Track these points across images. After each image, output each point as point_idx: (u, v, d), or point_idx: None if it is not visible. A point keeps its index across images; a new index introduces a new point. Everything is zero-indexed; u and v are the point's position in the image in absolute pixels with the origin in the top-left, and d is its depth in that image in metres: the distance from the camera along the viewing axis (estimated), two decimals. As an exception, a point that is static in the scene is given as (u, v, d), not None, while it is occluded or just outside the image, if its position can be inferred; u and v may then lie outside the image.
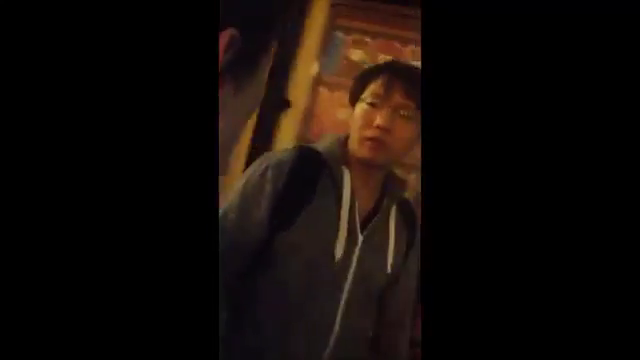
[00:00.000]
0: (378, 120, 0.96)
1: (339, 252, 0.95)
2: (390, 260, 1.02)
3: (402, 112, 0.95)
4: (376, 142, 0.96)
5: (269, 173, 0.95)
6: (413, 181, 1.81)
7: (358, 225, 0.99)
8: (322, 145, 1.03)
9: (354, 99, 1.04)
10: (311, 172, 0.98)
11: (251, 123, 1.72)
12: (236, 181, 0.99)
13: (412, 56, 1.85)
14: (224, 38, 0.33)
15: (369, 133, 0.97)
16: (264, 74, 0.41)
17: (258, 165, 0.98)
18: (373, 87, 1.00)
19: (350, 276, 0.97)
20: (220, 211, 0.88)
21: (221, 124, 0.37)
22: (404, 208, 1.07)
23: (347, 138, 1.03)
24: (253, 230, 0.94)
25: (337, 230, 0.96)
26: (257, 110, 0.46)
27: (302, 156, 0.98)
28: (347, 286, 0.97)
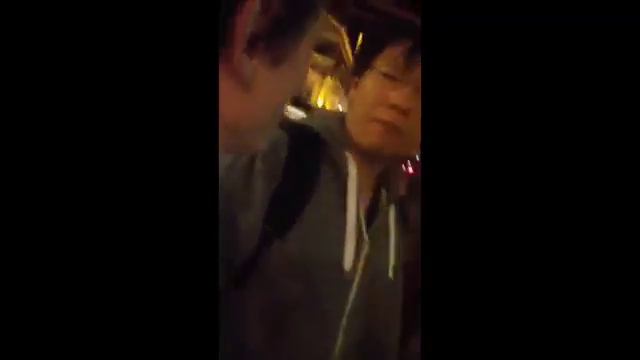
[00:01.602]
0: (395, 98, 0.72)
1: (348, 263, 0.74)
2: (392, 263, 0.82)
3: None
4: (388, 127, 0.73)
5: (258, 163, 0.69)
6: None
7: (364, 226, 0.78)
8: (317, 122, 0.78)
9: (362, 65, 0.78)
10: (310, 159, 0.74)
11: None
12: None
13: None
14: (251, 2, 0.29)
15: (381, 114, 0.73)
16: (310, 41, 0.36)
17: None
18: (391, 53, 0.75)
19: (355, 286, 0.77)
20: None
21: (258, 100, 0.34)
22: (402, 208, 0.88)
23: (344, 117, 0.80)
24: (241, 241, 0.69)
25: (344, 233, 0.74)
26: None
27: (297, 137, 0.73)
28: (351, 296, 0.77)
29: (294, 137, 0.73)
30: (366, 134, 0.75)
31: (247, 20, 0.29)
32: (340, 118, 0.80)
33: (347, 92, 0.84)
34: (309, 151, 0.73)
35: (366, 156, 0.77)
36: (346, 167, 0.76)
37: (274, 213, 0.69)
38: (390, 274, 0.83)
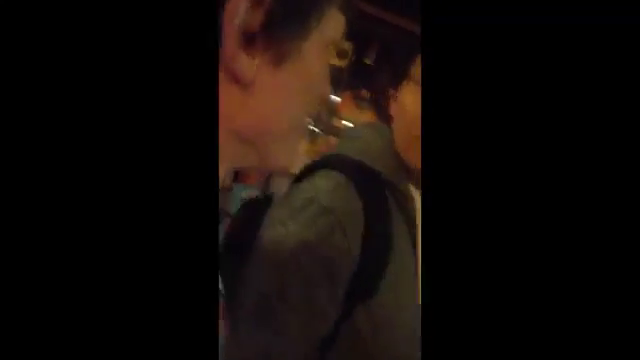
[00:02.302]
0: None
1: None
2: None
3: None
4: None
5: (338, 234, 0.62)
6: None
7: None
8: (372, 154, 0.70)
9: (398, 76, 0.72)
10: (382, 209, 0.67)
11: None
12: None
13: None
14: None
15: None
16: (318, 41, 0.34)
17: (311, 217, 0.62)
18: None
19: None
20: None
21: (267, 104, 0.32)
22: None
23: (391, 136, 0.73)
24: (327, 312, 0.64)
25: (414, 275, 0.69)
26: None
27: (362, 186, 0.66)
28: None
29: (360, 186, 0.66)
30: (415, 154, 0.68)
31: (234, 12, 0.28)
32: (391, 139, 0.72)
33: (385, 107, 0.77)
34: (379, 201, 0.67)
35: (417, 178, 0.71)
36: (413, 203, 0.70)
37: (358, 285, 0.64)
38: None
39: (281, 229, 0.63)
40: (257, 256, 0.63)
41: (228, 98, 0.31)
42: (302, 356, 0.64)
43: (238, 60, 0.30)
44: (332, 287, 0.63)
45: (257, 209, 0.69)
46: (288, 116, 0.36)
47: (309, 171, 0.70)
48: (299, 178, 0.70)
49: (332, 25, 0.35)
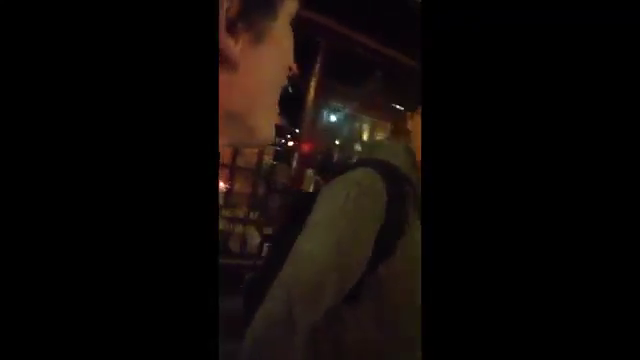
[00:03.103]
0: None
1: None
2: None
3: None
4: None
5: (366, 199, 0.86)
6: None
7: None
8: (394, 158, 0.96)
9: (416, 102, 0.97)
10: (399, 192, 0.90)
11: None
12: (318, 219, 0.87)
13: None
14: None
15: None
16: (285, 18, 0.38)
17: (344, 196, 0.86)
18: None
19: None
20: (307, 247, 0.84)
21: (250, 79, 0.35)
22: None
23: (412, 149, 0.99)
24: (355, 267, 0.85)
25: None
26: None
27: (389, 178, 0.89)
28: None
29: (383, 175, 0.89)
30: None
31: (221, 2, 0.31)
32: (412, 150, 0.99)
33: (405, 126, 1.04)
34: (397, 189, 0.90)
35: None
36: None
37: (383, 241, 0.86)
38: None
39: (327, 204, 0.88)
40: (311, 224, 0.87)
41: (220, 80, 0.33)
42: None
43: (225, 44, 0.33)
44: (365, 245, 0.85)
45: (311, 194, 0.95)
46: (268, 90, 0.39)
47: (345, 169, 0.94)
48: (339, 173, 0.95)
49: (290, 4, 0.39)
